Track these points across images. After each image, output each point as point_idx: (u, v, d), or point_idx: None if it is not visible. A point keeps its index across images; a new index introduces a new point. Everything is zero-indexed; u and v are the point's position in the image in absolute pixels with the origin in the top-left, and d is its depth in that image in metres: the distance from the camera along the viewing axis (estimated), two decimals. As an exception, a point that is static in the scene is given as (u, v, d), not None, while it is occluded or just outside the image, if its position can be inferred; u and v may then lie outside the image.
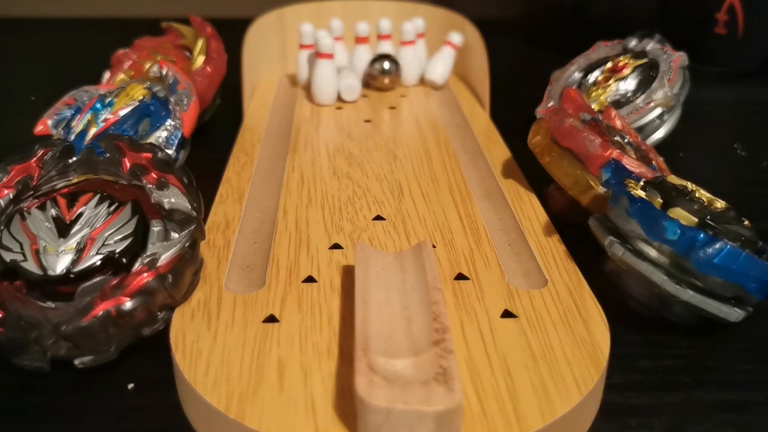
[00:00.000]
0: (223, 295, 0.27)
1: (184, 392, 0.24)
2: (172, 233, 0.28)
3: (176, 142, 0.38)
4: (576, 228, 0.31)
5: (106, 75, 0.46)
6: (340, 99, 0.50)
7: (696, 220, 0.27)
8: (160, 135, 0.37)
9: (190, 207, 0.28)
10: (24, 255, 0.26)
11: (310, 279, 0.29)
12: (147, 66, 0.43)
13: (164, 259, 0.26)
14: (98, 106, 0.37)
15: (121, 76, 0.44)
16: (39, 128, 0.36)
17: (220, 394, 0.22)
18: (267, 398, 0.22)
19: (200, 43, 0.48)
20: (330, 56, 0.49)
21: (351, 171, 0.38)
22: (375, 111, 0.48)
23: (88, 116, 0.36)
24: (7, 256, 0.26)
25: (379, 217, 0.33)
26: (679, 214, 0.27)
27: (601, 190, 0.31)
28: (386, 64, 0.52)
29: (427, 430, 0.20)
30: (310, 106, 0.49)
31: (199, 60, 0.47)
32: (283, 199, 0.35)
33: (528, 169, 0.38)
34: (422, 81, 0.54)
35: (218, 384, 0.23)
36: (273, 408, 0.22)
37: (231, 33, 0.52)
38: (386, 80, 0.52)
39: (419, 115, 0.48)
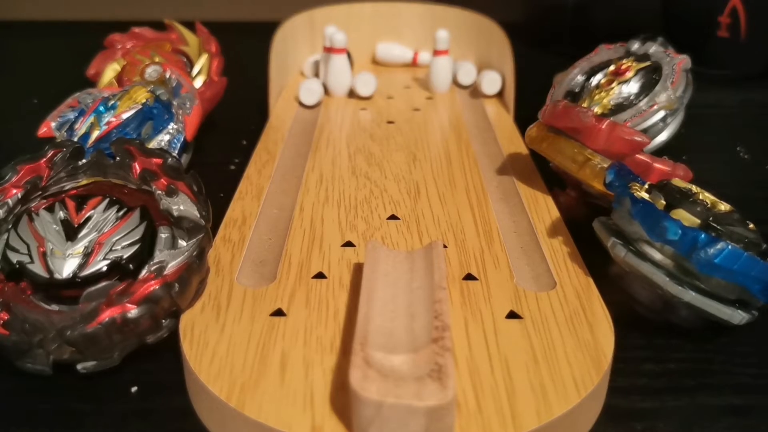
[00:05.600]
0: (234, 288, 0.28)
1: (190, 381, 0.25)
2: (179, 241, 0.28)
3: (178, 145, 0.38)
4: (590, 231, 0.31)
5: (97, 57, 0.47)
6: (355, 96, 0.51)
7: (698, 221, 0.27)
8: (163, 138, 0.38)
9: (198, 215, 0.28)
10: (31, 257, 0.26)
11: (320, 275, 0.29)
12: (144, 62, 0.44)
13: (171, 267, 0.26)
14: (101, 108, 0.37)
15: (113, 64, 0.45)
16: (42, 130, 0.37)
17: (222, 384, 0.23)
18: (268, 389, 0.23)
19: (203, 59, 0.48)
20: (342, 51, 0.51)
21: (370, 171, 0.39)
22: (399, 112, 0.48)
23: (91, 119, 0.37)
24: (14, 257, 0.26)
25: (393, 217, 0.34)
26: (682, 215, 0.27)
27: (598, 159, 0.32)
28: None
29: (418, 425, 0.20)
30: (336, 107, 0.49)
31: (198, 80, 0.47)
32: (300, 196, 0.35)
33: (546, 173, 0.38)
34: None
35: (222, 374, 0.23)
36: (273, 399, 0.22)
37: (255, 36, 0.52)
38: None
39: (443, 117, 0.48)
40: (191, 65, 0.49)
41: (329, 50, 0.51)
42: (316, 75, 0.54)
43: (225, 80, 0.49)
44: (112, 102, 0.38)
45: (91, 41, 0.51)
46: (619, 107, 0.38)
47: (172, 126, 0.38)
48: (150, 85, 0.40)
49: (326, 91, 0.52)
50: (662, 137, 0.38)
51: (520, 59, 0.50)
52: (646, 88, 0.38)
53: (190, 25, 0.52)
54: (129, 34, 0.50)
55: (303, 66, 0.56)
